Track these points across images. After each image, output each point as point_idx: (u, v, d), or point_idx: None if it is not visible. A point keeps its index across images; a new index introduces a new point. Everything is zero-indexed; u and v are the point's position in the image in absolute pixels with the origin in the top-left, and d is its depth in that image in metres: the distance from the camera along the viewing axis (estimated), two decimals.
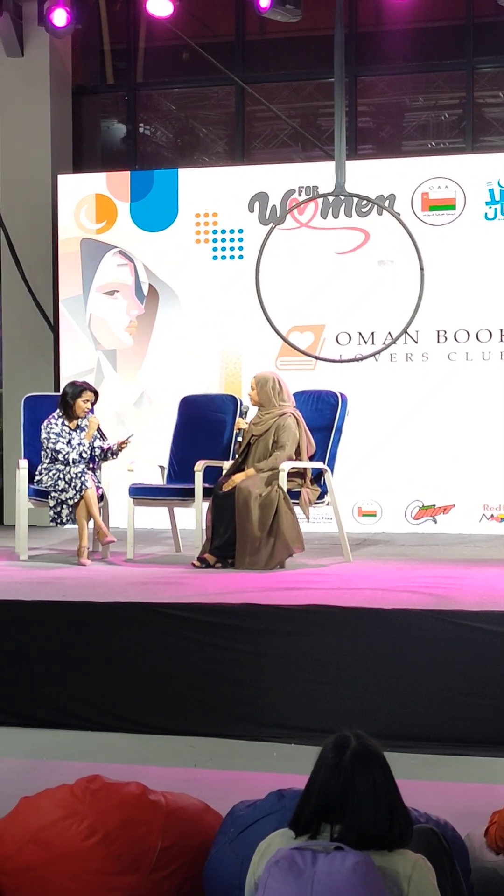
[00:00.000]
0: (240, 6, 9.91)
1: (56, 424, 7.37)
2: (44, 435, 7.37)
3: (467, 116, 9.78)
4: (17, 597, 5.60)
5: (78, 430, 7.39)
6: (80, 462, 7.28)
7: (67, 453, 7.28)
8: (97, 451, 7.41)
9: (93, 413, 7.47)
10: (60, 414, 7.42)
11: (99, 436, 7.46)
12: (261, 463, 6.96)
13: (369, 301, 9.07)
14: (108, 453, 7.44)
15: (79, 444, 7.33)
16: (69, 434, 7.35)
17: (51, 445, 7.32)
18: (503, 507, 8.85)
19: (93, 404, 7.46)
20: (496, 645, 4.93)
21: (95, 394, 7.50)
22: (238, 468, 7.09)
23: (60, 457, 7.27)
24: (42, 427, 7.42)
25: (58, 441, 7.31)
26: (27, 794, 3.27)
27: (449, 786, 4.40)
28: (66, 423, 7.39)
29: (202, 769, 4.67)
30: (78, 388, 7.44)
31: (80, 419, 7.41)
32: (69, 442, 7.32)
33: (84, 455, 7.32)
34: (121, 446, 7.43)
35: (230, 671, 5.15)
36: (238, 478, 6.91)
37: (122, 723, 5.18)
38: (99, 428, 7.48)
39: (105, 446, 7.43)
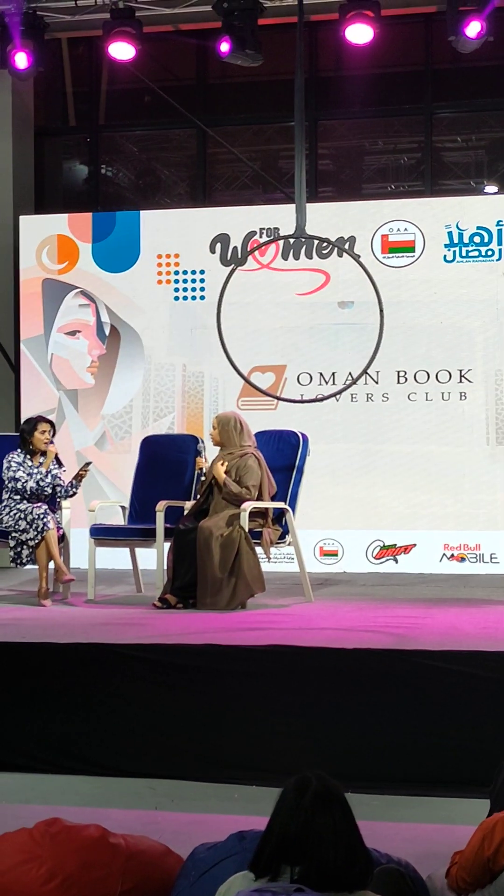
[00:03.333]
0: (201, 51, 10.01)
1: (18, 455, 7.40)
2: (4, 465, 7.37)
3: (426, 160, 9.90)
4: None
5: (40, 466, 7.40)
6: (36, 492, 7.27)
7: (25, 482, 7.28)
8: (58, 489, 7.40)
9: (52, 444, 7.50)
10: (21, 451, 7.43)
11: (56, 464, 7.46)
12: (230, 483, 6.94)
13: (330, 342, 9.13)
14: (69, 488, 7.43)
15: (37, 474, 7.32)
16: (30, 467, 7.36)
17: (10, 474, 7.32)
18: (463, 546, 8.90)
19: (51, 435, 7.48)
20: (457, 684, 4.94)
21: (52, 425, 7.54)
22: (200, 508, 7.09)
23: (19, 485, 7.27)
24: (3, 460, 7.42)
25: (18, 469, 7.32)
26: None
27: (410, 826, 4.39)
28: (30, 459, 7.40)
29: (163, 811, 4.64)
30: (32, 423, 7.49)
31: (41, 455, 7.41)
32: (29, 473, 7.33)
33: (41, 483, 7.30)
34: (79, 476, 7.43)
35: (191, 712, 5.13)
36: (216, 468, 6.91)
37: (82, 765, 5.13)
38: (57, 456, 7.49)
39: (64, 481, 7.42)
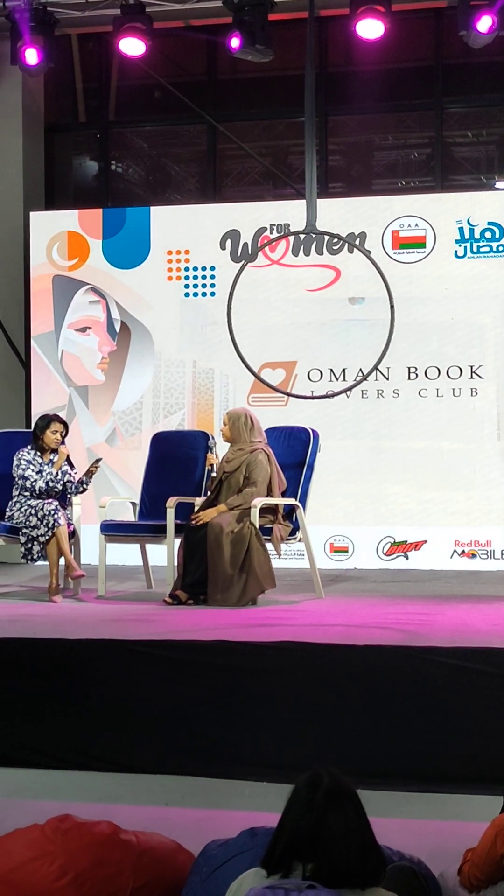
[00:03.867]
0: (211, 46, 10.00)
1: (28, 453, 7.39)
2: (14, 462, 7.37)
3: (436, 155, 9.88)
4: None
5: (50, 464, 7.39)
6: (46, 491, 7.27)
7: (35, 481, 7.27)
8: (69, 486, 7.40)
9: (63, 444, 7.50)
10: (32, 448, 7.43)
11: (68, 464, 7.46)
12: (231, 499, 6.96)
13: (340, 338, 9.12)
14: (79, 484, 7.44)
15: (47, 474, 7.32)
16: (40, 465, 7.36)
17: (20, 472, 7.32)
18: (474, 542, 8.89)
19: (63, 436, 7.48)
20: (468, 681, 4.93)
21: (65, 425, 7.52)
22: (210, 505, 7.08)
23: (28, 484, 7.27)
24: (14, 457, 7.42)
25: (27, 468, 7.32)
26: None
27: (422, 823, 4.38)
28: (40, 456, 7.40)
29: (174, 808, 4.64)
30: (46, 420, 7.48)
31: (52, 452, 7.41)
32: (39, 471, 7.32)
33: (51, 484, 7.30)
34: (90, 473, 7.43)
35: (202, 708, 5.13)
36: (209, 514, 6.91)
37: (93, 761, 5.13)
38: (68, 458, 7.49)
39: (75, 479, 7.43)
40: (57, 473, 7.36)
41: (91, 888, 3.00)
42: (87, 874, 3.01)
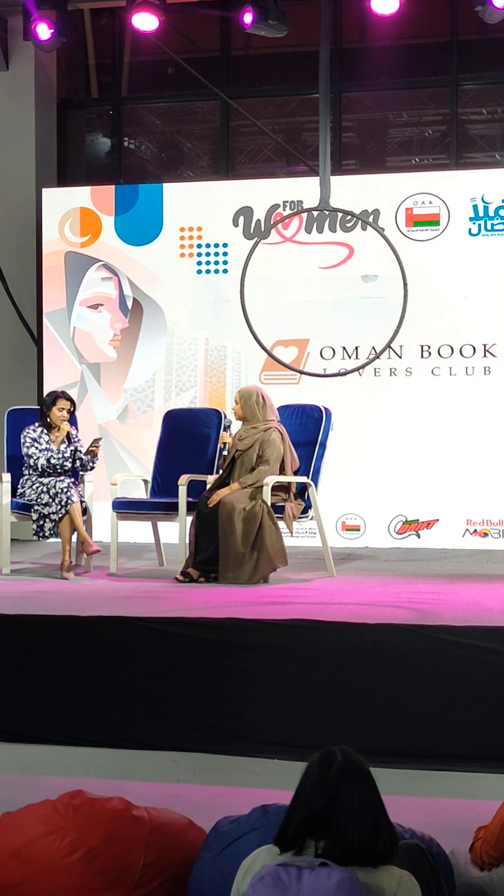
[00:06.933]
0: (225, 22, 9.93)
1: (34, 430, 7.39)
2: (21, 440, 7.38)
3: (451, 133, 9.81)
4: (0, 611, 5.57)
5: (53, 444, 7.38)
6: (48, 467, 7.27)
7: (37, 458, 7.28)
8: (77, 462, 7.39)
9: (74, 422, 7.49)
10: (39, 424, 7.42)
11: (67, 441, 7.40)
12: (245, 478, 6.96)
13: (353, 316, 9.08)
14: (86, 462, 7.42)
15: (46, 451, 7.31)
16: (47, 442, 7.36)
17: (24, 450, 7.33)
18: (486, 521, 8.87)
19: (71, 412, 7.45)
20: (480, 660, 4.93)
21: (72, 402, 7.49)
22: (222, 483, 7.08)
23: (31, 462, 7.28)
24: (22, 434, 7.42)
25: (32, 445, 7.33)
26: (9, 810, 3.24)
27: (433, 801, 4.39)
28: (47, 433, 7.39)
29: (185, 784, 4.65)
30: (53, 397, 7.48)
31: (60, 430, 7.39)
32: (45, 449, 7.32)
33: (52, 461, 7.29)
34: (90, 452, 7.40)
35: (213, 686, 5.14)
36: (222, 492, 6.91)
37: (105, 738, 5.15)
38: (69, 434, 7.41)
39: (81, 455, 7.41)
40: (72, 450, 7.35)
41: (102, 863, 3.01)
42: (99, 849, 3.02)
